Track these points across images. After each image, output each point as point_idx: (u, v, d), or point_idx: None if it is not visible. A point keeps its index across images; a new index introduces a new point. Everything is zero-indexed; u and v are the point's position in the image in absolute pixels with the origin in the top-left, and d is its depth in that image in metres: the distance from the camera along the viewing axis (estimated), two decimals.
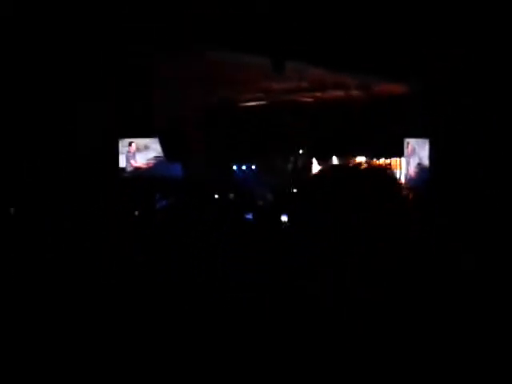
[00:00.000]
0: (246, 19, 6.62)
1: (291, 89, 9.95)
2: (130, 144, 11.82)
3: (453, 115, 7.95)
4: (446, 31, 7.29)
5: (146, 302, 2.83)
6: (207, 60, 7.48)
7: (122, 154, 11.66)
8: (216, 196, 10.63)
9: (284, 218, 7.82)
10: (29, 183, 3.45)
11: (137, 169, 12.04)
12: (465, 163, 7.86)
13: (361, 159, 12.27)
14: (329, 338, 2.18)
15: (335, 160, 12.34)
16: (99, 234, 3.63)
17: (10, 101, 3.45)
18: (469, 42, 7.35)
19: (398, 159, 12.04)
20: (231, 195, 11.13)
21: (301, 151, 12.94)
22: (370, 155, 12.14)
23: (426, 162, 10.36)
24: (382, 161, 12.33)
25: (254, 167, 12.86)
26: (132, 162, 11.99)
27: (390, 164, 12.28)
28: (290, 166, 13.07)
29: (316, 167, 12.88)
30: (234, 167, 12.53)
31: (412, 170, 11.23)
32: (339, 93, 10.04)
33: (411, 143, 11.04)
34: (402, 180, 11.91)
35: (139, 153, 11.97)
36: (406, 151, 11.31)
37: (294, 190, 7.61)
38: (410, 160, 11.22)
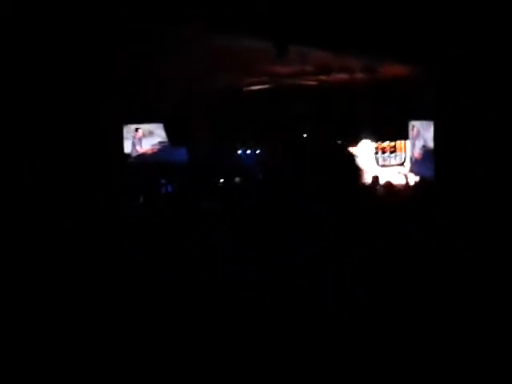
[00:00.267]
0: (249, 2, 6.59)
1: (295, 72, 9.91)
2: (136, 130, 11.85)
3: (458, 97, 7.92)
4: (453, 13, 7.25)
5: (145, 301, 2.85)
6: (211, 45, 7.46)
7: (127, 139, 11.70)
8: (221, 180, 10.65)
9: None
10: (29, 183, 3.45)
11: (142, 154, 12.07)
12: (470, 145, 7.84)
13: (366, 143, 12.25)
14: (329, 338, 2.20)
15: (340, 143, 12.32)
16: (99, 234, 3.64)
17: (9, 97, 3.45)
18: (477, 23, 7.30)
19: (402, 141, 12.02)
20: (237, 179, 11.15)
21: (305, 135, 12.93)
22: (375, 138, 12.12)
23: (430, 144, 10.34)
24: (387, 143, 12.31)
25: (258, 151, 12.86)
26: (137, 147, 12.01)
27: (394, 146, 12.27)
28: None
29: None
30: (239, 151, 12.53)
31: (417, 153, 11.22)
32: (344, 76, 9.99)
33: (416, 126, 11.01)
34: (407, 163, 11.90)
35: (144, 138, 11.99)
36: (411, 134, 11.28)
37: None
38: (415, 142, 11.20)
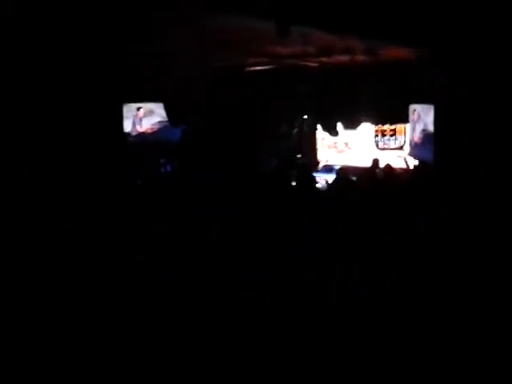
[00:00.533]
0: None
1: (296, 54, 9.86)
2: (138, 109, 11.82)
3: (459, 81, 7.90)
4: None
5: (145, 301, 2.86)
6: (212, 25, 7.41)
7: (128, 118, 11.67)
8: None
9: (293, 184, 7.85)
10: (29, 182, 3.45)
11: (142, 133, 12.05)
12: (470, 129, 7.83)
13: (366, 125, 12.23)
14: (336, 333, 2.22)
15: (340, 126, 12.30)
16: (99, 234, 3.64)
17: (9, 94, 3.43)
18: (480, 9, 7.26)
19: (403, 125, 12.00)
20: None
21: (306, 117, 12.89)
22: (375, 121, 12.10)
23: (430, 128, 10.33)
24: (387, 126, 12.29)
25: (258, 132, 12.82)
26: (138, 126, 11.99)
27: (394, 130, 12.25)
28: (295, 132, 13.04)
29: (321, 133, 12.85)
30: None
31: (417, 136, 11.20)
32: (345, 58, 9.94)
33: (417, 109, 10.99)
34: (407, 147, 11.89)
35: (144, 117, 11.96)
36: (411, 117, 11.26)
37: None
38: (416, 126, 11.19)
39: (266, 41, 8.44)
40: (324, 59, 10.28)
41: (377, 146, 12.50)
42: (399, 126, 12.22)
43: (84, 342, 2.83)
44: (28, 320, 3.05)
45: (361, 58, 9.76)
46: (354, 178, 8.67)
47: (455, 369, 2.29)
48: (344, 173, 8.46)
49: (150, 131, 12.09)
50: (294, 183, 8.58)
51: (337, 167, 10.38)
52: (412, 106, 11.10)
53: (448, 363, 2.30)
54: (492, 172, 6.72)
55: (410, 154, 11.60)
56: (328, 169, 12.04)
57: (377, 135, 12.52)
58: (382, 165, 10.08)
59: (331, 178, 9.00)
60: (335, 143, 12.94)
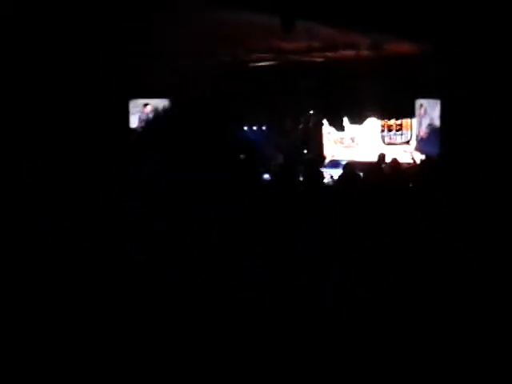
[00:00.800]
0: None
1: (302, 49, 9.86)
2: (145, 105, 11.84)
3: (466, 76, 7.88)
4: None
5: (145, 301, 2.86)
6: (218, 20, 7.42)
7: (134, 114, 11.70)
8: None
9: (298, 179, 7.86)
10: (29, 182, 3.47)
11: None
12: (477, 124, 7.82)
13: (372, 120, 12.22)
14: (333, 335, 2.22)
15: (346, 121, 12.29)
16: (99, 234, 3.65)
17: (9, 93, 3.45)
18: (483, 2, 7.24)
19: (409, 120, 11.99)
20: (241, 156, 11.14)
21: (311, 112, 12.89)
22: (381, 116, 12.08)
23: (437, 122, 10.31)
24: (393, 121, 12.27)
25: (264, 128, 12.84)
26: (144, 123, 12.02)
27: (400, 125, 12.24)
28: (300, 127, 13.04)
29: (327, 128, 12.84)
30: (245, 128, 12.52)
31: (423, 131, 11.19)
32: (350, 53, 9.93)
33: (424, 104, 10.98)
34: (413, 141, 11.87)
35: (151, 113, 11.99)
36: (418, 112, 11.25)
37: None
38: (422, 120, 11.18)
39: (272, 36, 8.44)
40: (329, 54, 10.27)
41: (383, 140, 12.49)
42: (405, 121, 12.20)
43: (84, 341, 2.83)
44: (28, 320, 3.05)
45: (366, 52, 9.75)
46: (361, 173, 8.68)
47: (455, 369, 2.30)
48: (351, 168, 8.47)
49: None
50: (300, 179, 8.59)
51: (343, 162, 10.39)
52: (418, 101, 11.08)
53: (448, 364, 2.30)
54: (498, 166, 6.71)
55: (417, 149, 11.58)
56: (334, 164, 12.04)
57: (383, 130, 12.51)
58: (388, 160, 10.08)
59: (337, 173, 9.01)
60: (341, 138, 12.93)
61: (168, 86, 9.70)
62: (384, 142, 12.47)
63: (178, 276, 2.86)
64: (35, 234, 3.37)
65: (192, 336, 2.49)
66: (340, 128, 12.45)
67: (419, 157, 11.21)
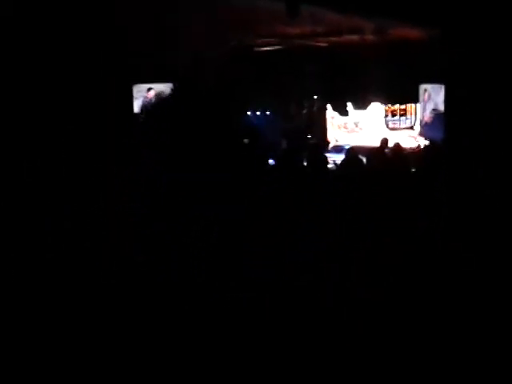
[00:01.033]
0: None
1: (306, 33, 9.83)
2: (148, 90, 11.83)
3: (470, 61, 7.86)
4: None
5: (145, 301, 2.88)
6: (222, 5, 7.41)
7: (137, 99, 11.69)
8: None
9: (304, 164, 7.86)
10: (29, 182, 3.48)
11: None
12: (481, 108, 7.81)
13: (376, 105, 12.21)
14: (333, 334, 2.25)
15: (350, 106, 12.28)
16: (99, 234, 3.66)
17: (8, 92, 3.46)
18: None
19: (413, 105, 11.97)
20: (245, 141, 11.15)
21: (315, 97, 12.87)
22: (384, 100, 12.07)
23: (441, 107, 10.30)
24: (397, 106, 12.25)
25: (268, 113, 12.83)
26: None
27: (404, 110, 12.22)
28: (304, 112, 13.03)
29: (330, 113, 12.84)
30: (249, 113, 12.51)
31: (427, 116, 11.18)
32: (355, 37, 9.90)
33: (428, 89, 10.96)
34: (417, 126, 11.87)
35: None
36: (422, 97, 11.23)
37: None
38: (426, 105, 11.16)
39: (276, 21, 8.43)
40: (334, 39, 10.25)
41: (387, 125, 12.48)
42: (409, 106, 12.18)
43: (84, 341, 2.86)
44: (28, 320, 3.08)
45: (371, 37, 9.72)
46: (364, 159, 8.67)
47: (455, 369, 2.33)
48: (353, 152, 8.47)
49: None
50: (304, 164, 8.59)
51: (346, 147, 10.38)
52: (422, 86, 11.07)
53: (447, 364, 2.33)
54: (502, 150, 6.71)
55: (421, 134, 11.58)
56: (338, 149, 12.04)
57: (387, 115, 12.49)
58: (391, 144, 10.08)
59: (341, 158, 9.02)
60: (345, 123, 12.92)
61: (172, 70, 9.69)
62: (388, 127, 12.46)
63: (177, 276, 2.88)
64: (35, 234, 3.39)
65: (192, 335, 2.53)
66: (344, 113, 12.44)
67: (423, 142, 11.21)
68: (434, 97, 10.83)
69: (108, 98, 4.04)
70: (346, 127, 12.92)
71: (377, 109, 12.41)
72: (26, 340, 2.93)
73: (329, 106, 12.65)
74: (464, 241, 3.49)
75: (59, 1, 3.61)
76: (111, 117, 4.07)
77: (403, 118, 12.33)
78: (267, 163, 6.63)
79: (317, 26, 9.22)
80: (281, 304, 2.36)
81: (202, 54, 9.13)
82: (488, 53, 7.49)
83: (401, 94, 11.39)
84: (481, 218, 4.12)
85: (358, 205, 4.23)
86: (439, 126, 10.10)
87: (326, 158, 8.47)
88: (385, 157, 8.88)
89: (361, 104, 12.14)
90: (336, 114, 12.68)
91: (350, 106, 12.30)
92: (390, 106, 12.29)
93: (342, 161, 8.45)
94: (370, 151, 9.54)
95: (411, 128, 12.23)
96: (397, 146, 9.29)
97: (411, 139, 11.76)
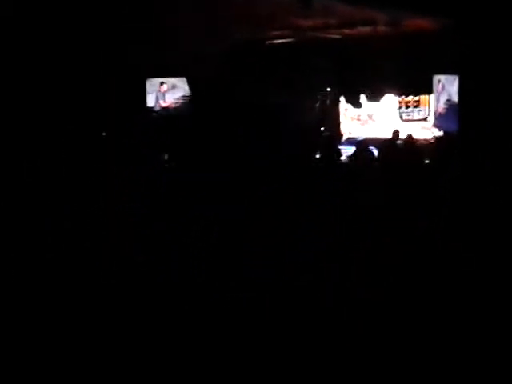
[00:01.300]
0: None
1: (319, 26, 9.80)
2: (161, 84, 11.88)
3: (484, 51, 7.81)
4: None
5: (146, 301, 2.90)
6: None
7: (151, 93, 11.74)
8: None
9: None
10: (29, 182, 3.51)
11: (165, 108, 12.12)
12: (495, 99, 7.75)
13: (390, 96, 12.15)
14: (332, 334, 2.26)
15: (363, 98, 12.22)
16: (99, 234, 3.69)
17: (8, 93, 3.48)
18: None
19: (426, 96, 11.89)
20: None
21: (329, 89, 12.82)
22: (398, 92, 12.00)
23: (455, 98, 10.23)
24: (410, 97, 12.18)
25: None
26: (161, 101, 12.06)
27: (418, 101, 12.15)
28: (317, 105, 12.99)
29: (344, 105, 12.79)
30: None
31: (441, 107, 11.11)
32: (368, 29, 9.85)
33: (442, 80, 10.88)
34: (431, 118, 11.80)
35: (167, 92, 12.02)
36: (436, 88, 11.15)
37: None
38: (440, 96, 11.09)
39: (289, 13, 8.41)
40: (347, 31, 10.20)
41: (400, 117, 12.41)
42: (423, 97, 12.10)
43: (84, 341, 2.89)
44: (28, 319, 3.11)
45: (383, 29, 9.67)
46: (375, 151, 8.63)
47: (455, 369, 2.33)
48: (365, 144, 8.44)
49: (173, 106, 12.15)
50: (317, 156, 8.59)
51: (359, 139, 10.34)
52: (436, 77, 10.98)
53: (447, 364, 2.33)
54: None
55: (435, 125, 11.51)
56: (352, 141, 12.00)
57: (400, 107, 12.42)
58: (403, 136, 10.04)
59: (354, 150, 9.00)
60: (358, 115, 12.86)
61: (184, 64, 9.70)
62: (402, 119, 12.39)
63: (177, 276, 2.90)
64: (35, 234, 3.42)
65: (192, 335, 2.54)
66: (357, 105, 12.39)
67: (438, 133, 11.15)
68: (447, 87, 10.75)
69: (108, 98, 4.06)
70: (359, 119, 12.86)
71: (390, 100, 12.35)
72: (27, 339, 2.96)
73: (342, 99, 12.60)
74: (465, 241, 3.48)
75: (59, 1, 3.63)
76: (111, 117, 4.09)
77: (417, 109, 12.25)
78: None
79: (329, 19, 9.19)
80: (281, 304, 2.38)
81: (212, 47, 9.13)
82: (501, 43, 7.43)
83: (414, 85, 11.31)
84: (488, 213, 4.08)
85: (362, 202, 4.21)
86: (453, 116, 10.02)
87: (339, 150, 8.43)
88: (396, 148, 8.84)
89: (374, 96, 12.07)
90: (349, 106, 12.62)
91: (363, 98, 12.24)
92: (403, 97, 12.22)
93: (352, 153, 8.42)
94: (381, 143, 9.49)
95: (425, 119, 12.15)
96: (409, 137, 9.22)
97: (425, 130, 11.70)
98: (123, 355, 2.69)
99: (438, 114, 11.32)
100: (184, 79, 11.81)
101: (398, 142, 9.43)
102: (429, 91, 11.38)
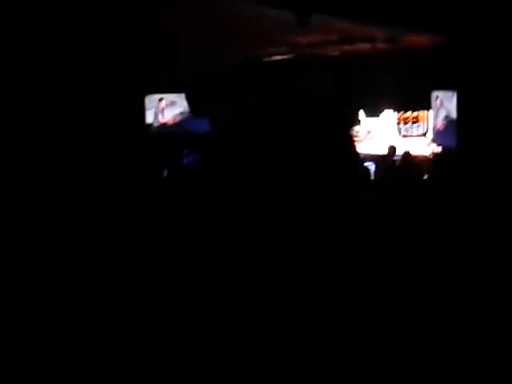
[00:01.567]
0: None
1: (317, 42, 9.84)
2: (160, 100, 11.90)
3: (482, 67, 7.83)
4: None
5: (146, 301, 2.88)
6: (231, 14, 7.43)
7: (149, 109, 11.75)
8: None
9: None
10: (29, 182, 3.49)
11: (164, 124, 12.14)
12: (494, 115, 7.76)
13: (388, 112, 12.17)
14: (332, 335, 2.24)
15: (362, 113, 12.24)
16: (99, 234, 3.66)
17: (8, 93, 3.47)
18: None
19: (425, 112, 11.92)
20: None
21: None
22: (396, 108, 12.03)
23: (453, 114, 10.25)
24: (409, 113, 12.21)
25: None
26: (160, 117, 12.07)
27: (417, 117, 12.18)
28: None
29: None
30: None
31: (440, 123, 11.13)
32: (366, 46, 9.89)
33: (440, 96, 10.91)
34: (430, 134, 11.81)
35: (166, 108, 12.04)
36: (434, 104, 11.18)
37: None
38: (438, 112, 11.12)
39: (287, 30, 8.43)
40: (345, 47, 10.24)
41: (399, 133, 12.43)
42: (421, 113, 12.13)
43: (84, 341, 2.86)
44: (28, 320, 3.08)
45: (382, 45, 9.71)
46: (372, 166, 8.62)
47: (455, 370, 2.30)
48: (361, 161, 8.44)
49: (172, 122, 12.16)
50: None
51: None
52: (434, 93, 11.02)
53: (447, 364, 2.31)
54: None
55: (434, 141, 11.53)
56: None
57: (399, 123, 12.45)
58: (400, 152, 10.04)
59: None
60: (356, 132, 12.89)
61: (183, 81, 9.71)
62: (400, 135, 12.41)
63: (177, 276, 2.87)
64: (35, 234, 3.39)
65: (192, 335, 2.52)
66: (356, 122, 12.42)
67: (436, 149, 11.16)
68: (446, 104, 10.78)
69: (108, 98, 4.05)
70: (357, 136, 12.89)
71: (389, 117, 12.38)
72: (26, 340, 2.93)
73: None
74: (465, 241, 3.46)
75: (59, 1, 3.62)
76: (111, 117, 4.07)
77: (415, 125, 12.28)
78: None
79: (327, 35, 9.22)
80: (281, 304, 2.35)
81: (211, 64, 9.14)
82: (499, 59, 7.45)
83: (413, 101, 11.35)
84: (485, 220, 4.07)
85: (361, 210, 4.18)
86: (452, 132, 10.04)
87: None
88: (393, 164, 8.84)
89: (373, 112, 12.10)
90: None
91: (362, 114, 12.27)
92: (402, 113, 12.25)
93: None
94: (378, 159, 9.50)
95: (424, 135, 12.17)
96: (406, 153, 9.23)
97: (424, 146, 11.71)
98: (123, 355, 2.66)
99: (436, 129, 11.34)
100: (183, 95, 11.84)
101: (395, 158, 9.44)
102: (427, 107, 11.42)
